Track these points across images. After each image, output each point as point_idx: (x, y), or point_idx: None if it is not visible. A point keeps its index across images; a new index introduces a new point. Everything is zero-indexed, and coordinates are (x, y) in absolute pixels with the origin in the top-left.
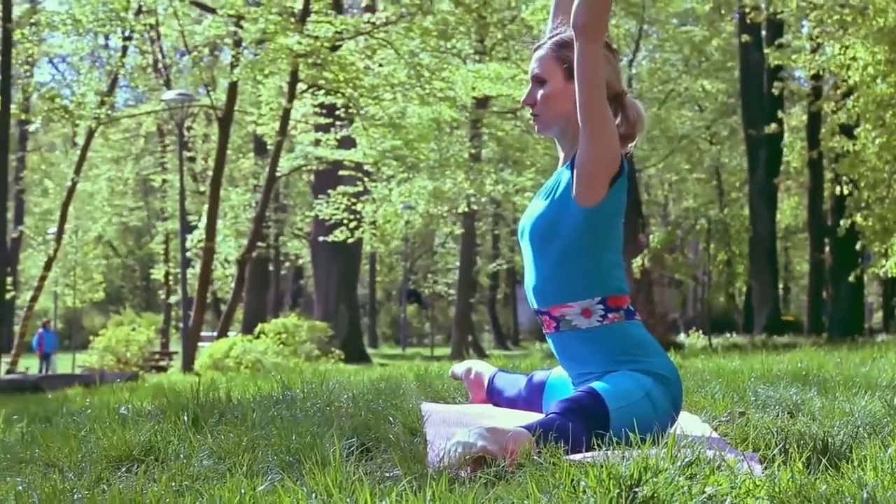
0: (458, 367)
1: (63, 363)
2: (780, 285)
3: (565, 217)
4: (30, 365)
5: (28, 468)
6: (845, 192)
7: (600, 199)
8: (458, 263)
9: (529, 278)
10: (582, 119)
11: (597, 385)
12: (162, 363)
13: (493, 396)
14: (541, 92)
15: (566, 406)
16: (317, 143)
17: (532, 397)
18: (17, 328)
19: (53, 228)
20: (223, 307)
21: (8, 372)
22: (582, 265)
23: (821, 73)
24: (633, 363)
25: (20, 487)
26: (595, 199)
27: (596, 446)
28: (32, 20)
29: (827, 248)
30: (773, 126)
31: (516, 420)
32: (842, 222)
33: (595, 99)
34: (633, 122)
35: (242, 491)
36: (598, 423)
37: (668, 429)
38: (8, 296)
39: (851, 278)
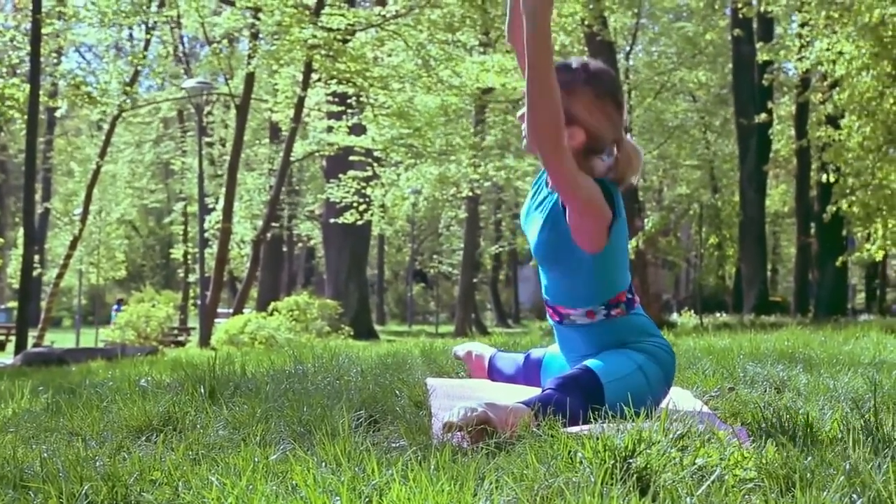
0: (460, 349)
1: (86, 337)
2: (769, 267)
3: (567, 250)
4: (55, 339)
5: (53, 436)
6: (831, 179)
7: (603, 245)
8: (462, 245)
9: (539, 271)
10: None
11: (590, 362)
12: (180, 338)
13: (494, 375)
14: None
15: (562, 382)
16: (329, 129)
17: (530, 373)
18: (43, 304)
19: (79, 209)
20: (239, 285)
21: (34, 345)
22: (588, 283)
23: (809, 66)
24: (627, 346)
25: (45, 454)
26: (598, 248)
27: (592, 419)
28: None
29: (813, 233)
30: (763, 116)
31: (516, 395)
32: (828, 208)
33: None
34: (624, 170)
35: (256, 459)
36: (594, 396)
37: (661, 401)
38: (35, 273)
39: (838, 263)
